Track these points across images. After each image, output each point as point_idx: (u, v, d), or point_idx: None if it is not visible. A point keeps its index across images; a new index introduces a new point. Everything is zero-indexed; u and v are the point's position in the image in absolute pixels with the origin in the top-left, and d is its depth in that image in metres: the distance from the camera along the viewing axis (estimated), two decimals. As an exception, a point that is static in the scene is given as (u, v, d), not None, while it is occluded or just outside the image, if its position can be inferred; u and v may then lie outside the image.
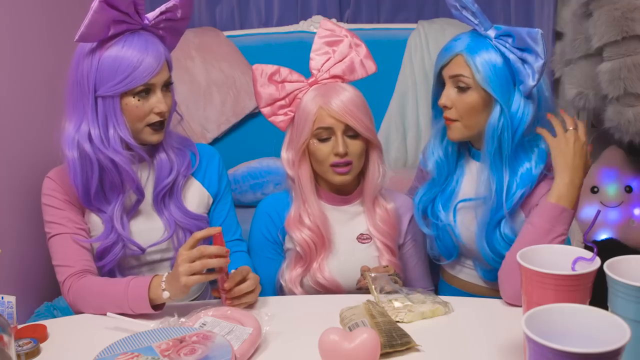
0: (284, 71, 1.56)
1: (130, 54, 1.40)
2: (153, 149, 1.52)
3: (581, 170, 1.40)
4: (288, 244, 1.59)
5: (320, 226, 1.54)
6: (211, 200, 1.61)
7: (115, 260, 1.48)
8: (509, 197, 1.47)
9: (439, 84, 1.53)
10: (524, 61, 1.41)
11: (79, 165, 1.43)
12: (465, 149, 1.59)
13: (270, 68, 1.56)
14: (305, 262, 1.55)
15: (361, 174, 1.59)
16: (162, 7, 1.46)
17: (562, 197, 1.38)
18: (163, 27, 1.48)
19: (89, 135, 1.43)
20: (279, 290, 1.62)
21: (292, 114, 1.56)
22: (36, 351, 1.24)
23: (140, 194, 1.49)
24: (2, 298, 1.27)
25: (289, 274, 1.57)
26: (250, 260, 1.62)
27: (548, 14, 2.76)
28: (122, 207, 1.48)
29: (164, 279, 1.35)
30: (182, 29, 1.53)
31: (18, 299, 1.31)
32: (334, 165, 1.50)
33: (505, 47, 1.42)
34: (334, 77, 1.53)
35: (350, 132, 1.49)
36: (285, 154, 1.58)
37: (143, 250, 1.50)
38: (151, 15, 1.46)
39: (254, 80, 1.57)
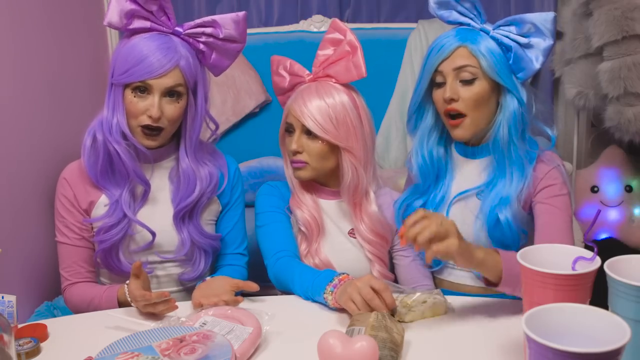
0: (293, 64, 1.61)
1: (140, 49, 1.43)
2: (174, 157, 1.54)
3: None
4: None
5: (314, 213, 1.59)
6: (220, 209, 1.62)
7: (112, 242, 1.50)
8: (512, 183, 1.48)
9: (429, 86, 1.53)
10: (526, 47, 1.45)
11: (89, 148, 1.49)
12: (450, 151, 1.60)
13: (283, 60, 1.63)
14: (309, 242, 1.59)
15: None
16: (199, 20, 1.49)
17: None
18: (204, 41, 1.48)
19: (102, 120, 1.48)
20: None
21: None
22: (36, 350, 1.24)
23: (146, 185, 1.52)
24: (3, 297, 1.28)
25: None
26: (246, 275, 1.64)
27: (548, 14, 2.76)
28: (130, 193, 1.51)
29: (126, 292, 1.40)
30: (232, 50, 1.51)
31: (18, 298, 1.31)
32: (291, 161, 1.58)
33: (507, 37, 1.45)
34: (328, 76, 1.56)
35: (310, 133, 1.54)
36: None
37: (153, 233, 1.51)
38: (188, 24, 1.48)
39: (271, 70, 1.65)
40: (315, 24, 2.77)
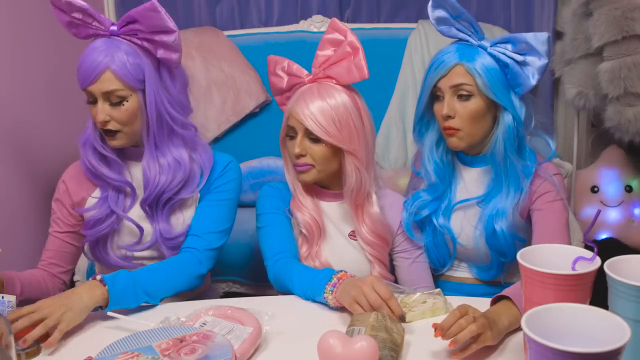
0: (291, 65, 1.59)
1: (80, 58, 1.45)
2: (139, 155, 1.53)
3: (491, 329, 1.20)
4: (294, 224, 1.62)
5: (315, 216, 1.58)
6: (199, 199, 1.58)
7: (98, 234, 1.52)
8: (508, 196, 1.53)
9: (430, 98, 1.56)
10: (522, 65, 1.48)
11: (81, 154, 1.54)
12: (453, 158, 1.63)
13: (280, 60, 1.61)
14: (310, 245, 1.58)
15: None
16: (123, 17, 1.45)
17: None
18: (142, 37, 1.44)
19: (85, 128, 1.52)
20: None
21: None
22: (36, 351, 1.24)
23: (128, 185, 1.53)
24: (3, 298, 1.28)
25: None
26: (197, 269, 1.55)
27: (548, 14, 2.76)
28: (117, 190, 1.53)
29: None
30: (169, 42, 1.43)
31: (18, 298, 1.31)
32: (295, 165, 1.56)
33: (504, 54, 1.48)
34: (328, 77, 1.55)
35: (312, 136, 1.52)
36: None
37: (141, 228, 1.52)
38: (119, 23, 1.45)
39: (268, 70, 1.64)
40: (316, 24, 2.77)
